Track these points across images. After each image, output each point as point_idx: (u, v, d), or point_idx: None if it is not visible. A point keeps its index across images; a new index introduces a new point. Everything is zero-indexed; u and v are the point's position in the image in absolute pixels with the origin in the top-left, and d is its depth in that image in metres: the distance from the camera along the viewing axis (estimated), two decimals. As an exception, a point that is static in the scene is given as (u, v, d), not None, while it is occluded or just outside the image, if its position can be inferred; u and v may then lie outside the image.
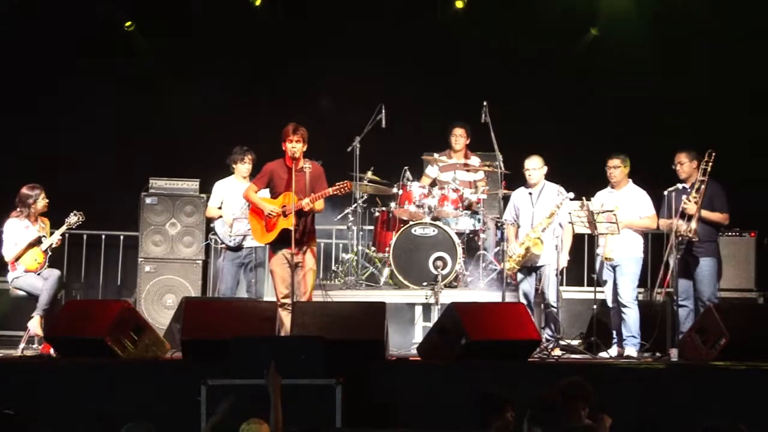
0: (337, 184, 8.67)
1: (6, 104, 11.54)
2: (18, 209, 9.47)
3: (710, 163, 8.95)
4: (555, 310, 9.21)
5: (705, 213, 8.99)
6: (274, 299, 8.70)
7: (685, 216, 8.89)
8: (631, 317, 9.09)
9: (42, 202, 9.50)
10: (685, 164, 9.13)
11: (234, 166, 10.24)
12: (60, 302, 9.33)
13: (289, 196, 8.52)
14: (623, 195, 9.27)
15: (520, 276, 9.44)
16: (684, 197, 8.91)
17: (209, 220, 10.50)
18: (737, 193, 9.44)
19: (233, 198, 10.12)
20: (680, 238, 8.83)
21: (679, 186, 9.06)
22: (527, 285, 9.39)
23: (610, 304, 9.29)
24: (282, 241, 8.51)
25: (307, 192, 8.54)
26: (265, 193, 8.92)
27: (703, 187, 8.96)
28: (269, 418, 5.71)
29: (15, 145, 11.59)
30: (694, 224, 8.86)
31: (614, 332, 9.28)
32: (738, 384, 7.27)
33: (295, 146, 8.56)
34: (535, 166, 9.46)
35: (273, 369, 5.97)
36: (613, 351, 9.10)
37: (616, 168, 9.27)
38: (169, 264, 10.79)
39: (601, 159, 9.50)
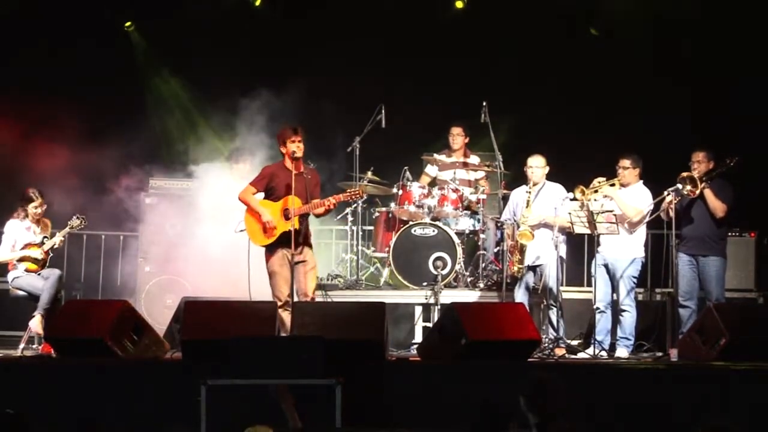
0: (349, 190, 8.79)
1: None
2: (19, 210, 9.47)
3: (731, 165, 8.82)
4: (556, 309, 9.20)
5: (708, 192, 8.88)
6: (272, 299, 8.66)
7: (686, 180, 8.81)
8: (628, 319, 9.06)
9: (39, 210, 9.47)
10: (702, 164, 9.02)
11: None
12: (60, 302, 9.32)
13: (290, 200, 8.52)
14: (628, 192, 9.25)
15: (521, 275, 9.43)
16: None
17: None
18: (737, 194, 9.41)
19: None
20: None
21: (679, 186, 9.00)
22: (527, 284, 9.39)
23: (596, 305, 9.17)
24: (280, 242, 8.50)
25: (306, 196, 8.54)
26: (259, 195, 8.88)
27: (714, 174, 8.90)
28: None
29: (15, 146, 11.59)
30: (698, 190, 8.79)
31: (598, 333, 9.05)
32: (738, 384, 7.26)
33: (298, 146, 8.55)
34: (538, 164, 9.45)
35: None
36: (622, 352, 9.03)
37: (626, 169, 9.23)
38: (169, 264, 10.78)
39: (602, 158, 9.48)
